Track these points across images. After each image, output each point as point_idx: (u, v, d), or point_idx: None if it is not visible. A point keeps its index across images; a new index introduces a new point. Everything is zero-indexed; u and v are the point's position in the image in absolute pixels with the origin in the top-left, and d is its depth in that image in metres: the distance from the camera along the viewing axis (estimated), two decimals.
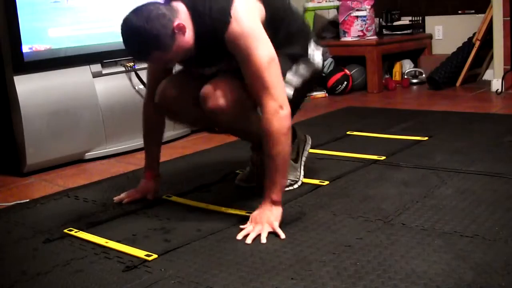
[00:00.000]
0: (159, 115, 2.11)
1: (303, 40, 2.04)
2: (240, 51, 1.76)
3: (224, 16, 1.74)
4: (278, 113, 1.75)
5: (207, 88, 1.87)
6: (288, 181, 2.12)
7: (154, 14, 1.72)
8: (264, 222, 1.78)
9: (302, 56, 2.02)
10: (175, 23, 1.74)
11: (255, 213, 1.84)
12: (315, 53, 2.07)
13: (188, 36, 1.79)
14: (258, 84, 1.76)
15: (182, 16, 1.78)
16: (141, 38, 1.73)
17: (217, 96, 1.85)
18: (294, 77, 1.99)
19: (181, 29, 1.76)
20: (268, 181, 1.81)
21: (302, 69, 2.02)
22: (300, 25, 2.06)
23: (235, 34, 1.74)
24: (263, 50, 1.75)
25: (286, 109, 1.77)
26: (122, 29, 1.76)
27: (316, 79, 2.14)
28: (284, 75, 1.88)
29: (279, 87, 1.77)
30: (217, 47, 1.79)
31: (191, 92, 1.94)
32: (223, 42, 1.76)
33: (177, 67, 2.10)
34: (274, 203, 1.81)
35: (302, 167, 2.25)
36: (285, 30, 1.95)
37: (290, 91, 1.95)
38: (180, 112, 2.05)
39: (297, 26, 2.03)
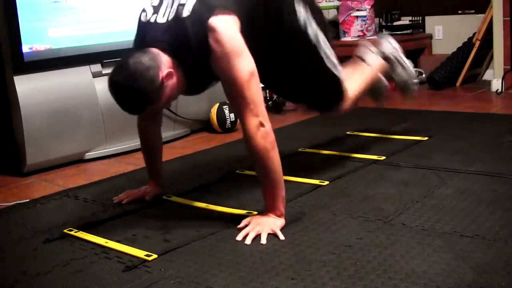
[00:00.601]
0: (155, 130, 2.13)
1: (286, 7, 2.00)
2: (222, 71, 1.73)
3: (205, 49, 1.70)
4: (260, 130, 1.74)
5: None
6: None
7: (138, 71, 1.69)
8: (265, 225, 1.78)
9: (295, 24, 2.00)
10: (162, 73, 1.72)
11: (256, 216, 1.85)
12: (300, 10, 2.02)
13: (177, 76, 1.77)
14: (239, 101, 1.73)
15: (163, 59, 1.74)
16: (132, 98, 1.73)
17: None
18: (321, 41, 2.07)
19: (169, 76, 1.74)
20: (268, 196, 1.82)
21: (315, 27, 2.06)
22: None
23: (217, 57, 1.70)
24: (243, 67, 1.71)
25: (267, 125, 1.75)
26: (110, 90, 1.75)
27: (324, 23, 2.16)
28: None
29: (259, 103, 1.74)
30: (205, 73, 1.78)
31: None
32: (209, 67, 1.74)
33: None
34: (278, 216, 1.82)
35: (407, 62, 2.62)
36: (269, 14, 1.92)
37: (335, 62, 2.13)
38: None
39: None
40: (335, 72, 2.15)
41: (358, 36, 4.47)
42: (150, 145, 2.16)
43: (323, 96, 2.25)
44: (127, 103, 1.76)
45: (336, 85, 2.19)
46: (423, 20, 4.82)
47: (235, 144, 3.03)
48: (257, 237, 1.74)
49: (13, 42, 2.64)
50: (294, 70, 2.12)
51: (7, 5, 2.60)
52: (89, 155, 2.93)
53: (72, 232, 1.89)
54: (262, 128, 1.74)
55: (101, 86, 2.97)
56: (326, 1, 4.80)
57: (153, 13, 1.82)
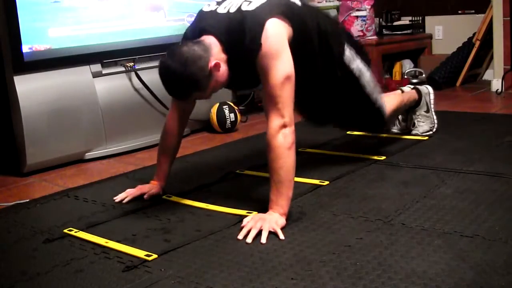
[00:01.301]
0: (178, 132, 2.16)
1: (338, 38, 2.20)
2: (261, 69, 1.83)
3: (256, 44, 1.81)
4: (282, 130, 1.81)
5: None
6: (428, 127, 2.79)
7: (190, 58, 1.79)
8: (267, 221, 1.78)
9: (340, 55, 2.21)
10: (211, 63, 1.82)
11: (258, 214, 1.85)
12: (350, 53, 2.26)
13: (223, 69, 1.87)
14: (270, 99, 1.83)
15: (215, 50, 1.85)
16: (180, 82, 1.82)
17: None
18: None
19: (217, 66, 1.84)
20: (274, 194, 1.83)
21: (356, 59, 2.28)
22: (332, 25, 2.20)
23: (261, 54, 1.81)
24: (281, 68, 1.81)
25: (291, 127, 1.83)
26: (160, 73, 1.85)
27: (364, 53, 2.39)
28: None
29: (287, 105, 1.83)
30: (250, 72, 1.86)
31: None
32: (255, 66, 1.83)
33: None
34: (280, 214, 1.83)
35: (434, 114, 2.80)
36: (319, 35, 2.08)
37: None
38: None
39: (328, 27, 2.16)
40: (376, 98, 2.38)
41: (358, 36, 4.47)
42: (170, 145, 2.17)
43: (364, 119, 2.50)
44: (175, 87, 1.87)
45: (377, 109, 2.41)
46: (423, 20, 4.82)
47: (235, 144, 3.03)
48: (258, 236, 1.74)
49: (13, 42, 2.64)
50: (336, 96, 2.32)
51: (7, 5, 2.60)
52: (89, 155, 2.93)
53: (72, 232, 1.89)
54: (284, 129, 1.82)
55: (101, 86, 2.97)
56: (326, 1, 4.80)
57: (216, 5, 1.96)
